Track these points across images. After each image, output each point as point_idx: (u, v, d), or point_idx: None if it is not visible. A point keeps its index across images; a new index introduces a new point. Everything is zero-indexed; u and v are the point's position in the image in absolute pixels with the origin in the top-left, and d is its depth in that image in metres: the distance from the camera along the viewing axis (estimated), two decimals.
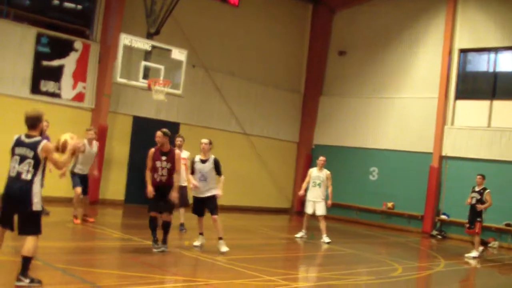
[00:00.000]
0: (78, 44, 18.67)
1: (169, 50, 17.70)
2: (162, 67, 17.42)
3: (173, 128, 20.87)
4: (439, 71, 21.82)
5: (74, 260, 9.85)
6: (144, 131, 20.08)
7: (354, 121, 24.31)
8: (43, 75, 17.90)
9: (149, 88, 17.10)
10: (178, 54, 17.92)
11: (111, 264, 10.12)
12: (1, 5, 17.69)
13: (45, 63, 17.92)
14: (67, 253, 10.68)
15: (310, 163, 25.23)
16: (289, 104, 25.16)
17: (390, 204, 22.52)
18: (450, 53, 21.65)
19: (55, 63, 18.17)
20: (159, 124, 20.40)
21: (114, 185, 19.50)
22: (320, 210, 15.62)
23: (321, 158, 15.88)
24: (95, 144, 14.19)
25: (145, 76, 17.12)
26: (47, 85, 17.98)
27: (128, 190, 20.01)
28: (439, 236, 20.65)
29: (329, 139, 24.99)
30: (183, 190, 13.84)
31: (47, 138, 12.14)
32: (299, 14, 25.52)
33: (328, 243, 15.25)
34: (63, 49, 18.36)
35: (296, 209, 25.01)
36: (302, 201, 25.12)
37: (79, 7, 20.04)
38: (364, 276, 11.56)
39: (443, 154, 21.39)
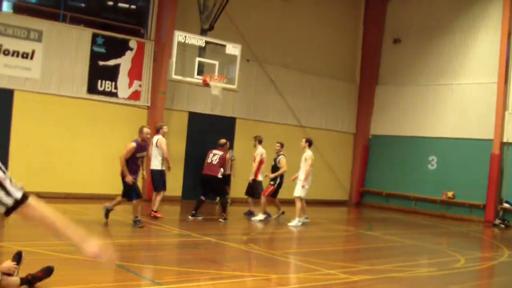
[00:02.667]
0: (133, 43, 18.91)
1: (223, 46, 17.74)
2: (216, 63, 17.49)
3: (229, 122, 21.08)
4: (497, 55, 21.25)
5: (133, 257, 9.97)
6: (200, 127, 20.27)
7: (411, 110, 23.93)
8: (99, 75, 18.23)
9: (204, 84, 17.19)
10: (232, 49, 17.96)
11: (170, 261, 10.22)
12: (58, 9, 18.08)
13: (101, 63, 18.23)
14: (126, 250, 10.83)
15: (367, 154, 25.05)
16: (344, 94, 24.94)
17: (450, 194, 22.09)
18: (508, 36, 21.05)
19: (111, 62, 18.46)
20: (215, 119, 20.70)
21: (171, 182, 19.61)
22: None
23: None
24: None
25: (200, 72, 17.21)
26: (104, 85, 18.29)
27: (185, 186, 20.18)
28: (502, 225, 20.16)
29: (386, 129, 24.68)
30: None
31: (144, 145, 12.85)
32: (352, 2, 25.24)
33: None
34: (119, 48, 18.63)
35: (354, 201, 24.84)
36: (360, 193, 25.13)
37: (133, 6, 20.34)
38: (426, 268, 11.40)
39: (505, 140, 20.84)
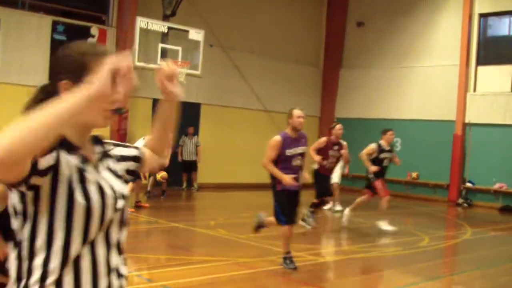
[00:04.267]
0: (94, 30, 18.68)
1: (186, 31, 17.68)
2: (179, 49, 17.43)
3: (194, 108, 21.00)
4: (459, 37, 21.52)
5: None
6: None
7: (375, 93, 24.10)
8: None
9: None
10: (195, 35, 17.90)
11: (139, 248, 10.19)
12: None
13: None
14: None
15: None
16: (309, 78, 25.03)
17: (414, 174, 22.37)
18: (470, 18, 21.32)
19: None
20: (180, 105, 20.56)
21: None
22: None
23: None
24: None
25: (163, 59, 17.12)
26: None
27: (151, 174, 20.07)
28: (465, 204, 20.50)
29: (351, 112, 24.82)
30: None
31: None
32: None
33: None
34: (80, 36, 18.30)
35: None
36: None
37: None
38: (392, 248, 11.56)
39: (467, 121, 21.17)
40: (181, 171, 19.76)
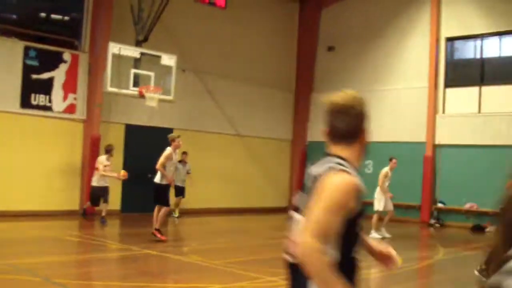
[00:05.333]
0: (66, 55, 18.66)
1: (159, 57, 17.75)
2: (152, 74, 17.49)
3: (166, 133, 20.93)
4: (427, 60, 21.90)
5: (73, 274, 9.89)
6: (137, 139, 20.13)
7: None
8: (33, 88, 17.87)
9: (140, 96, 17.14)
10: (168, 60, 17.99)
11: (111, 276, 10.15)
12: None
13: (34, 76, 17.90)
14: (66, 267, 10.70)
15: (305, 160, 25.30)
16: (281, 102, 25.21)
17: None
18: (437, 42, 21.74)
19: (45, 75, 18.15)
20: (152, 131, 20.57)
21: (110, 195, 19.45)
22: None
23: None
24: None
25: (136, 84, 17.18)
26: (38, 99, 17.96)
27: (124, 199, 19.99)
28: (437, 225, 20.74)
29: (322, 135, 24.90)
30: None
31: None
32: (287, 12, 25.56)
33: None
34: (52, 61, 18.34)
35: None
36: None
37: (66, 18, 19.98)
38: (366, 270, 11.62)
39: (436, 142, 21.48)
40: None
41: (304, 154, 25.27)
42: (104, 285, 9.14)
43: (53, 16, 19.78)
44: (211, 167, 21.78)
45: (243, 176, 23.17)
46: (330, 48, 25.13)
